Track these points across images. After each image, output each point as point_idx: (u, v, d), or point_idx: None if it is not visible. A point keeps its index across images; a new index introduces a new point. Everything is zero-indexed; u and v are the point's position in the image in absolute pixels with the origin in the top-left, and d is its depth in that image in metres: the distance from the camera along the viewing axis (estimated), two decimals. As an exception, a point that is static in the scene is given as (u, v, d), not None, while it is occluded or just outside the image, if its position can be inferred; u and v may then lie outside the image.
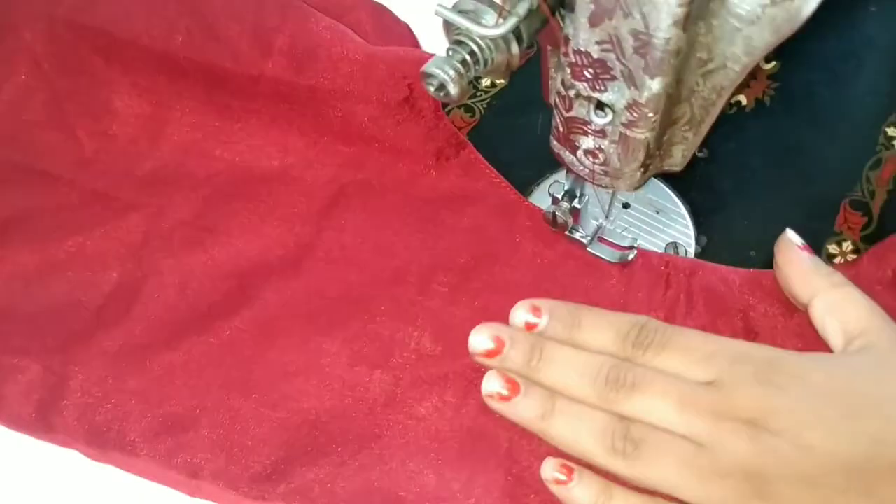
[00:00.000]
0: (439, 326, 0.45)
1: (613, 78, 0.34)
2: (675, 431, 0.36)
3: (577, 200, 0.45)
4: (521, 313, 0.41)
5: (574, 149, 0.39)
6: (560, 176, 0.49)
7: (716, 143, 0.43)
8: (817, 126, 0.51)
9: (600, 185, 0.41)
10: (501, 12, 0.33)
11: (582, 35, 0.33)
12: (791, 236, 0.43)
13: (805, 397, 0.36)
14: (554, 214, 0.45)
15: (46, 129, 0.54)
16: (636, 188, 0.41)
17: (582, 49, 0.34)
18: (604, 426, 0.37)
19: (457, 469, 0.41)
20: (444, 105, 0.52)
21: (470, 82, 0.34)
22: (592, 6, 0.32)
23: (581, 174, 0.41)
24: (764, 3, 0.31)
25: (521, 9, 0.33)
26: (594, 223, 0.46)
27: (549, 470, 0.38)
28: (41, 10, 0.54)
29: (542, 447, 0.40)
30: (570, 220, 0.45)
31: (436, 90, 0.34)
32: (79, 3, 0.53)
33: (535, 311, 0.41)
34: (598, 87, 0.35)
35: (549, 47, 0.39)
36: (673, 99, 0.36)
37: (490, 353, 0.39)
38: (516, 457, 0.41)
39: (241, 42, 0.50)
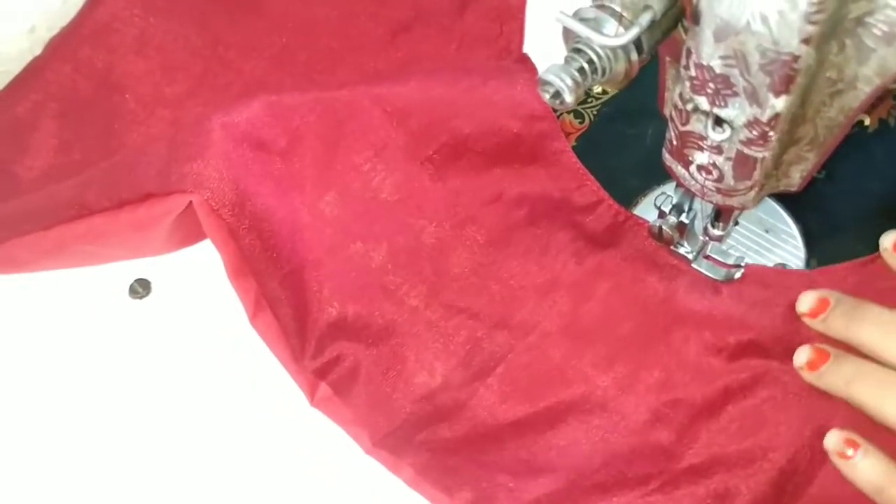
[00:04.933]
0: None
1: (735, 94, 0.33)
2: None
3: (684, 215, 0.44)
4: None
5: (687, 163, 0.39)
6: (668, 188, 0.48)
7: (834, 162, 0.41)
8: (944, 151, 0.49)
9: (710, 202, 0.40)
10: (623, 21, 0.33)
11: (705, 49, 0.33)
12: None
13: None
14: (660, 228, 0.44)
15: None
16: (749, 207, 0.40)
17: (704, 63, 0.33)
18: None
19: None
20: (554, 109, 0.51)
21: (586, 91, 0.34)
22: (719, 19, 0.31)
23: (692, 189, 0.40)
24: (903, 23, 0.30)
25: (644, 20, 0.32)
26: (701, 239, 0.45)
27: (834, 442, 0.38)
28: None
29: None
30: (677, 235, 0.44)
31: (551, 97, 0.34)
32: None
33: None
34: (717, 103, 0.34)
35: (667, 58, 0.38)
36: (796, 118, 0.35)
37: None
38: None
39: None
